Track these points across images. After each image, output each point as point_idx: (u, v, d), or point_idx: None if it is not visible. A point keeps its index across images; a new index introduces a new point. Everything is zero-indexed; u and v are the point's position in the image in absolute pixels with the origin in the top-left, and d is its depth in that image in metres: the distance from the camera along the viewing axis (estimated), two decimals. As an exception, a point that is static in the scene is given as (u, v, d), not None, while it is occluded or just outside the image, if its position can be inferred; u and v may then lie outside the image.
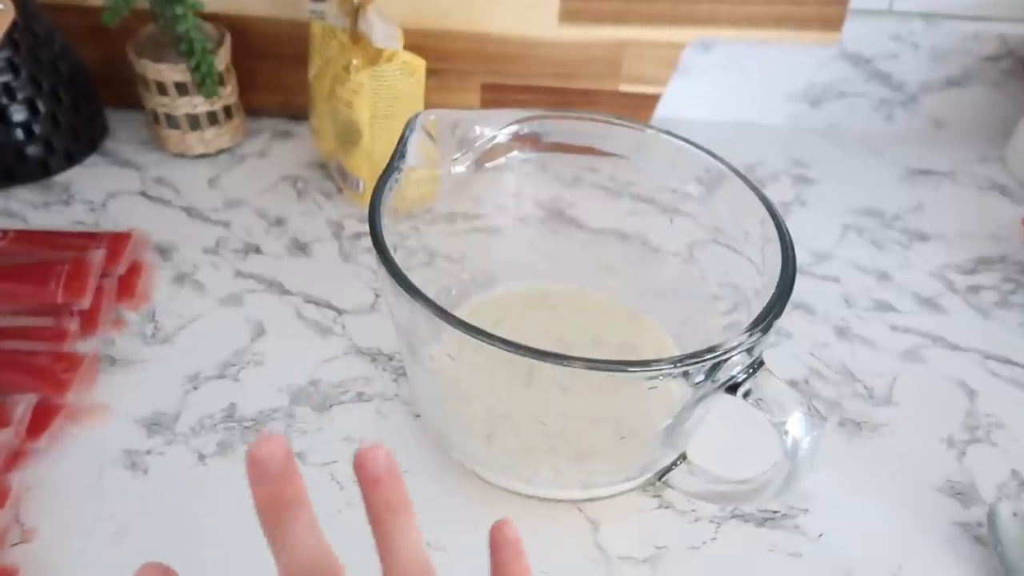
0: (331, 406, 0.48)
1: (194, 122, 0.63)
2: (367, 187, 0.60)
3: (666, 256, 0.49)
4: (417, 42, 0.58)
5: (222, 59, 0.61)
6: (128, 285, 0.53)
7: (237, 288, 0.55)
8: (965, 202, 0.67)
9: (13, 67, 0.58)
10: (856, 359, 0.53)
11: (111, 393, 0.48)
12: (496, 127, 0.46)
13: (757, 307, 0.37)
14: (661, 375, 0.34)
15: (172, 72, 0.60)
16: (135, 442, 0.45)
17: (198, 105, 0.62)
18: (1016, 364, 0.53)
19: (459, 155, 0.45)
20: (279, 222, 0.60)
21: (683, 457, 0.43)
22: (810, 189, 0.67)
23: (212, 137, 0.64)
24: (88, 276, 0.50)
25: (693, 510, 0.44)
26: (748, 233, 0.43)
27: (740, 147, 0.67)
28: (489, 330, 0.34)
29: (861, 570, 0.42)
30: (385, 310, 0.54)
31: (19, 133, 0.59)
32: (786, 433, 0.35)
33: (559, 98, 0.68)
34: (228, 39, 0.62)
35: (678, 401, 0.37)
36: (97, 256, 0.52)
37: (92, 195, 0.61)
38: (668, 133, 0.46)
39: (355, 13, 0.55)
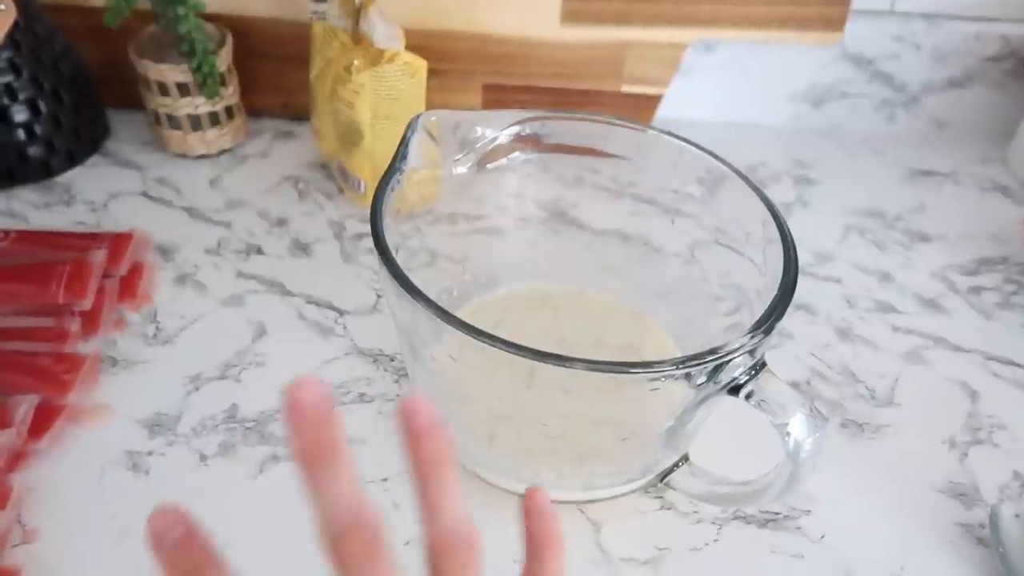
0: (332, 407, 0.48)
1: (196, 123, 0.63)
2: (368, 188, 0.60)
3: (668, 257, 0.49)
4: (418, 43, 0.58)
5: (224, 60, 0.61)
6: (129, 286, 0.53)
7: (238, 289, 0.55)
8: (967, 203, 0.67)
9: (15, 68, 0.58)
10: (858, 360, 0.53)
11: (113, 394, 0.48)
12: (498, 128, 0.46)
13: (759, 308, 0.37)
14: (663, 377, 0.34)
15: (174, 73, 0.60)
16: (137, 443, 0.45)
17: (200, 106, 0.62)
18: (1018, 365, 0.53)
19: (461, 156, 0.45)
20: (281, 223, 0.60)
21: (685, 459, 0.43)
22: (812, 190, 0.67)
23: (213, 138, 0.64)
24: (90, 277, 0.50)
25: (695, 511, 0.44)
26: (750, 234, 0.43)
27: (742, 148, 0.67)
28: (490, 331, 0.34)
29: (863, 571, 0.42)
30: (386, 311, 0.54)
31: (21, 134, 0.59)
32: (788, 435, 0.35)
33: (561, 99, 0.68)
34: (230, 40, 0.62)
35: (680, 403, 0.37)
36: (99, 257, 0.52)
37: (94, 196, 0.61)
38: (669, 134, 0.45)
39: (356, 14, 0.55)
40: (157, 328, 0.52)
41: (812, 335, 0.54)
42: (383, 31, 0.54)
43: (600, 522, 0.43)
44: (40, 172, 0.61)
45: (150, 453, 0.45)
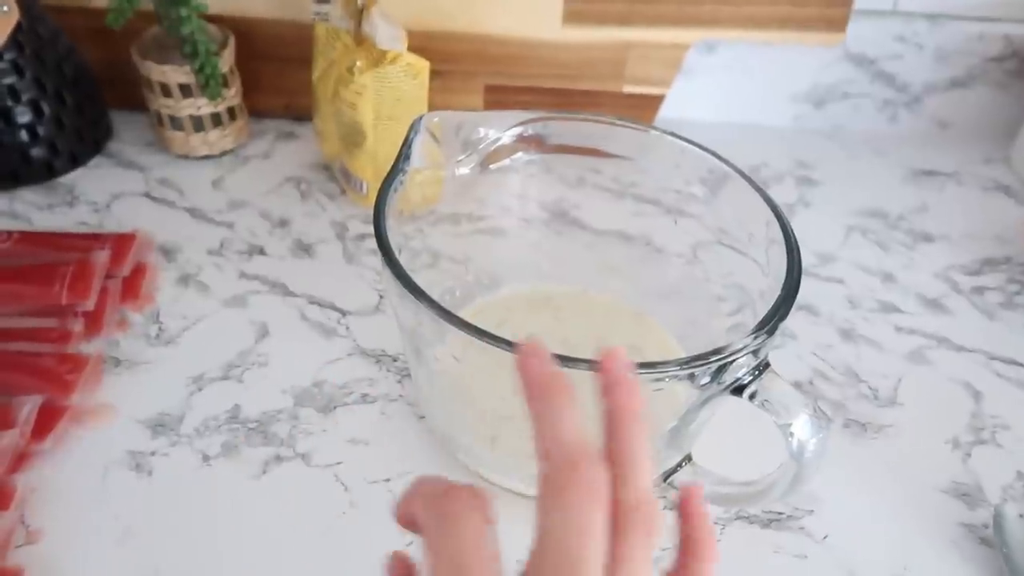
0: (335, 407, 0.48)
1: (198, 124, 0.63)
2: (371, 189, 0.60)
3: (670, 257, 0.49)
4: (421, 44, 0.58)
5: (226, 61, 0.61)
6: (132, 286, 0.53)
7: (241, 289, 0.55)
8: (970, 203, 0.67)
9: (18, 69, 0.58)
10: (861, 360, 0.53)
11: (115, 394, 0.48)
12: (500, 129, 0.46)
13: (762, 308, 0.37)
14: (667, 377, 0.34)
15: (176, 74, 0.60)
16: (140, 443, 0.45)
17: (202, 107, 0.62)
18: (1021, 365, 0.53)
19: (463, 157, 0.45)
20: (283, 223, 0.60)
21: (688, 459, 0.43)
22: (814, 190, 0.67)
23: (216, 139, 0.64)
24: (92, 277, 0.50)
25: (698, 512, 0.44)
26: (753, 234, 0.43)
27: (744, 148, 0.67)
28: (493, 332, 0.34)
29: (866, 572, 0.42)
30: (389, 311, 0.54)
31: (24, 135, 0.60)
32: (792, 435, 0.35)
33: (563, 99, 0.68)
34: (232, 41, 0.62)
35: (683, 403, 0.37)
36: (101, 257, 0.52)
37: (96, 196, 0.61)
38: (672, 134, 0.45)
39: (359, 15, 0.55)
40: (160, 329, 0.52)
41: (815, 336, 0.54)
42: (385, 32, 0.54)
43: (603, 522, 0.43)
44: (43, 173, 0.61)
45: (153, 453, 0.45)
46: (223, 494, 0.43)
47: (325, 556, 0.41)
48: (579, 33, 0.65)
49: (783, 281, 0.38)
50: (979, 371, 0.53)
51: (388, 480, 0.44)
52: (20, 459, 0.43)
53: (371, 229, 0.39)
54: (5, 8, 0.55)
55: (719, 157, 0.44)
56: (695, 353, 0.34)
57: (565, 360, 0.33)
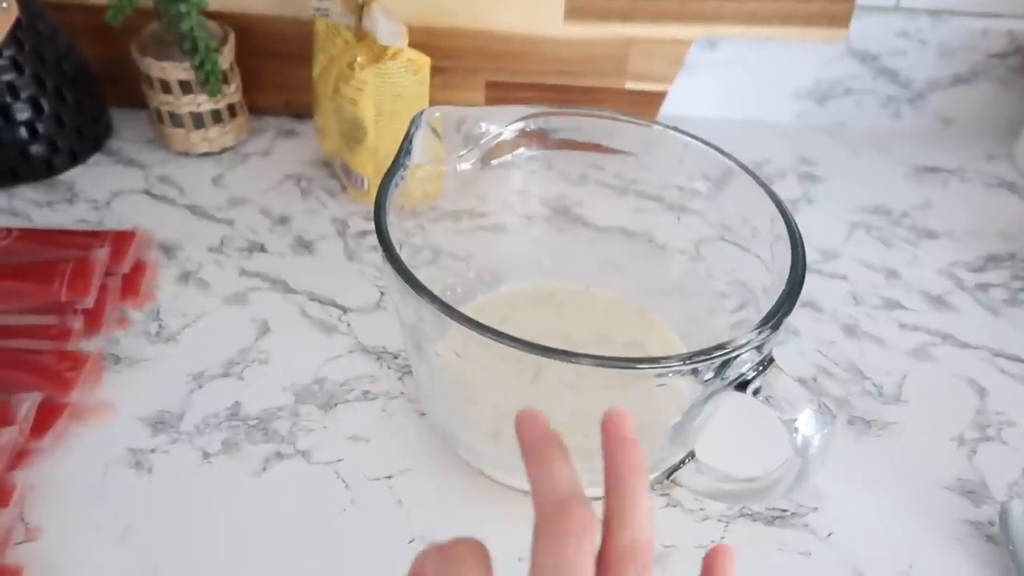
0: (336, 404, 0.48)
1: (198, 120, 0.63)
2: (372, 185, 0.60)
3: (673, 254, 0.49)
4: (422, 39, 0.58)
5: (226, 57, 0.61)
6: (132, 284, 0.53)
7: (241, 286, 0.54)
8: (973, 199, 0.66)
9: (17, 66, 0.57)
10: (865, 357, 0.53)
11: (115, 392, 0.47)
12: (502, 124, 0.45)
13: (766, 305, 0.37)
14: (670, 372, 0.34)
15: (176, 70, 0.60)
16: (139, 441, 0.45)
17: (202, 103, 0.62)
18: (1026, 362, 0.53)
19: (465, 152, 0.45)
20: (283, 220, 0.60)
21: (691, 455, 0.42)
22: (817, 187, 0.67)
23: (216, 135, 0.64)
24: (92, 275, 0.50)
25: (701, 508, 0.44)
26: (757, 230, 0.42)
27: (746, 145, 0.66)
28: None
29: (871, 569, 0.42)
30: (390, 308, 0.53)
31: (23, 132, 0.59)
32: (796, 431, 0.34)
33: (564, 96, 0.68)
34: (232, 37, 0.62)
35: (687, 399, 0.37)
36: (101, 255, 0.51)
37: (96, 194, 0.61)
38: (675, 129, 0.45)
39: (360, 10, 0.55)
40: (160, 326, 0.51)
41: (818, 332, 0.54)
42: (386, 28, 0.54)
43: (606, 520, 0.43)
44: (43, 170, 0.61)
45: (153, 451, 0.45)
46: (223, 491, 0.43)
47: (325, 553, 0.41)
48: (581, 29, 0.65)
49: (787, 276, 0.37)
50: (984, 368, 0.52)
51: (389, 477, 0.44)
52: (19, 456, 0.43)
53: (372, 226, 0.38)
54: (4, 5, 0.55)
55: (723, 152, 0.44)
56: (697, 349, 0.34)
57: (567, 355, 0.33)
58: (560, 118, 0.46)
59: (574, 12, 0.64)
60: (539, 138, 0.47)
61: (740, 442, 0.43)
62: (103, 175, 0.62)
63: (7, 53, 0.57)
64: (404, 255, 0.38)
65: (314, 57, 0.60)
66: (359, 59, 0.55)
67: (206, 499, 0.43)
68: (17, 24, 0.56)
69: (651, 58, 0.67)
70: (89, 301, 0.49)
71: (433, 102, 0.59)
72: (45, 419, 0.44)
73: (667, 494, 0.44)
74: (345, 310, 0.53)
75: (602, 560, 0.24)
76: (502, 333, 0.33)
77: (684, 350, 0.48)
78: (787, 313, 0.36)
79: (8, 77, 0.57)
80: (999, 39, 0.68)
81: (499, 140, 0.46)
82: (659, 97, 0.69)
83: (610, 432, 0.26)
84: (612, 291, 0.51)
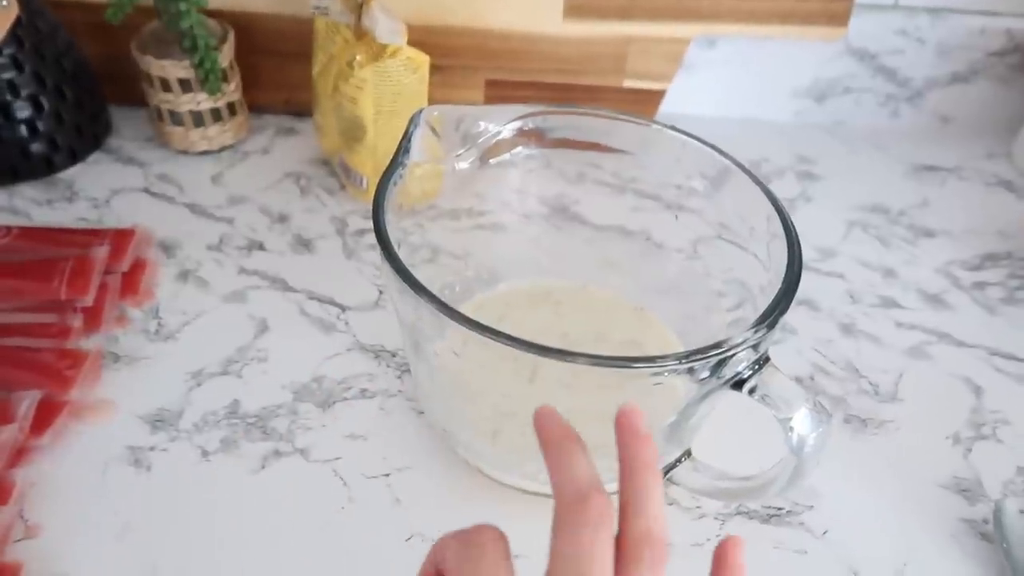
0: (334, 403, 0.48)
1: (198, 119, 0.63)
2: (371, 183, 0.60)
3: (670, 252, 0.49)
4: (421, 38, 0.58)
5: (226, 55, 0.61)
6: (132, 282, 0.53)
7: (241, 285, 0.55)
8: (971, 198, 0.67)
9: (17, 64, 0.58)
10: (861, 355, 0.53)
11: (115, 390, 0.48)
12: (500, 123, 0.45)
13: (762, 303, 0.37)
14: (667, 371, 0.34)
15: (176, 69, 0.60)
16: (139, 439, 0.45)
17: (202, 102, 0.62)
18: (1022, 360, 0.53)
19: (463, 151, 0.45)
20: (282, 219, 0.60)
21: (688, 454, 0.43)
22: (815, 185, 0.67)
23: (215, 134, 0.64)
24: (91, 273, 0.50)
25: (698, 507, 0.44)
26: (754, 229, 0.42)
27: (745, 143, 0.67)
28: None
29: (866, 567, 0.42)
30: (389, 307, 0.54)
31: (23, 130, 0.59)
32: (792, 429, 0.35)
33: (563, 94, 0.68)
34: (232, 35, 0.62)
35: (683, 398, 0.37)
36: (101, 253, 0.52)
37: (96, 192, 0.61)
38: (673, 128, 0.45)
39: (359, 9, 0.55)
40: (159, 324, 0.52)
41: (815, 330, 0.54)
42: (385, 26, 0.54)
43: (603, 518, 0.43)
44: (42, 168, 0.61)
45: (152, 449, 0.45)
46: (222, 489, 0.43)
47: (324, 551, 0.41)
48: (580, 28, 0.65)
49: (783, 275, 0.38)
50: (980, 366, 0.53)
51: (387, 475, 0.44)
52: (19, 454, 0.43)
53: (371, 225, 0.38)
54: (4, 3, 0.55)
55: (720, 151, 0.44)
56: (694, 347, 0.34)
57: (563, 354, 0.33)
58: (558, 117, 0.46)
59: (573, 10, 0.64)
60: (537, 137, 0.47)
61: (736, 440, 0.43)
62: (103, 173, 0.63)
63: (7, 51, 0.57)
64: (403, 254, 0.38)
65: (313, 55, 0.60)
66: (358, 57, 0.55)
67: (205, 497, 0.43)
68: (17, 22, 0.56)
69: (650, 56, 0.67)
70: (88, 299, 0.49)
71: (432, 100, 0.59)
72: (45, 417, 0.44)
73: (664, 492, 0.45)
74: (344, 308, 0.53)
75: (619, 546, 0.25)
76: (499, 332, 0.34)
77: (681, 348, 0.48)
78: (783, 312, 0.36)
79: (8, 75, 0.57)
80: (998, 37, 0.68)
81: (497, 139, 0.46)
82: (658, 95, 0.69)
83: (624, 427, 0.27)
84: (610, 289, 0.51)
